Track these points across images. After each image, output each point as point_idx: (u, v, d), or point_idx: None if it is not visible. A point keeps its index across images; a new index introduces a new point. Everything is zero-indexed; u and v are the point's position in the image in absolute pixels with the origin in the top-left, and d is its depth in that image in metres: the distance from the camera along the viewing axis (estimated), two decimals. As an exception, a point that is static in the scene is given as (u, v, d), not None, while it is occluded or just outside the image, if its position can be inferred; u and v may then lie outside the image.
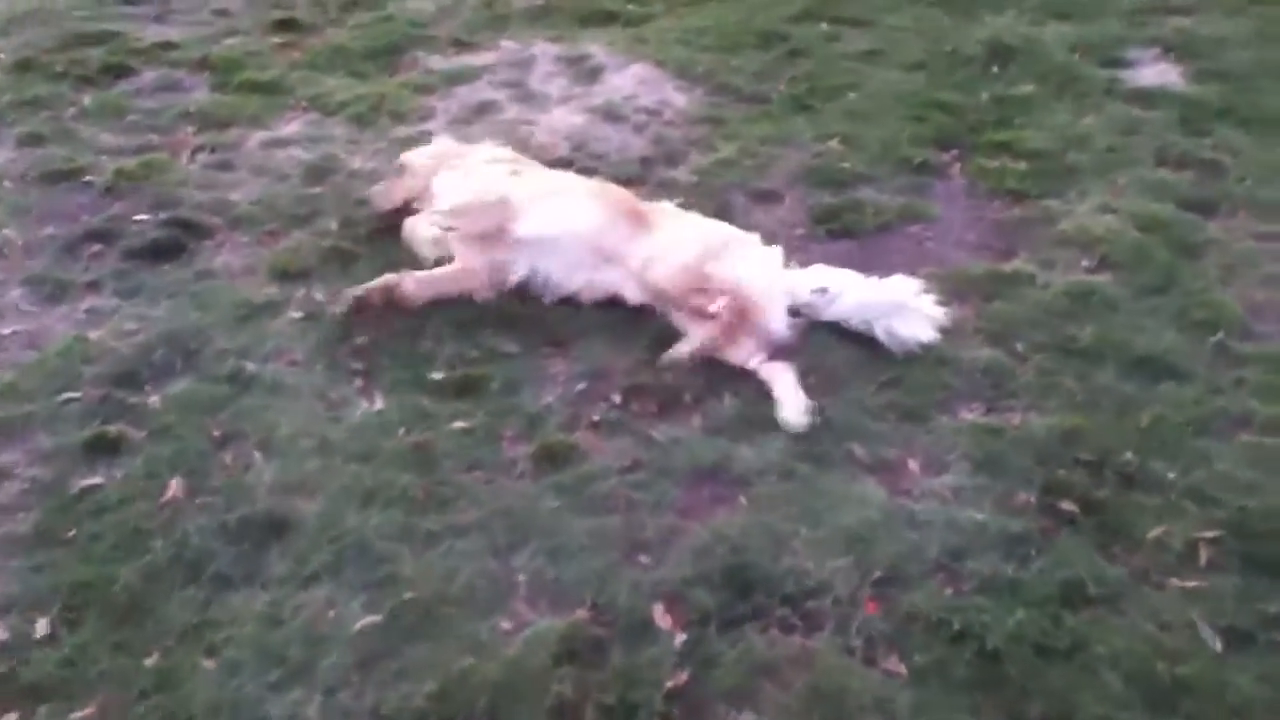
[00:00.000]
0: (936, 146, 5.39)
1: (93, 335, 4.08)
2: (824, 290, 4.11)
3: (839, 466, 3.56)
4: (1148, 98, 5.75)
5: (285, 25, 6.53)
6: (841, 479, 3.50)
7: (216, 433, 3.67)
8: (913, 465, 3.57)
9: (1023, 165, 5.19)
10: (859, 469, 3.55)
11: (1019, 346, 4.07)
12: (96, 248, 4.58)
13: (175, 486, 3.45)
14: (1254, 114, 5.58)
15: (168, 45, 6.26)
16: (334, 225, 4.75)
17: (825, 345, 4.05)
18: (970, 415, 3.77)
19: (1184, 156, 5.22)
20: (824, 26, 6.58)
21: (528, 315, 4.21)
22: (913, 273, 4.45)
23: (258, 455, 3.60)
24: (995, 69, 6.08)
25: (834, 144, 5.38)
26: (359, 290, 4.15)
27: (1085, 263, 4.53)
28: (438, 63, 6.19)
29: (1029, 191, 5.02)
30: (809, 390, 3.81)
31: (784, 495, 3.43)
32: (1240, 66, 6.05)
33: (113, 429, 3.67)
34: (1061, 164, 5.21)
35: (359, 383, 3.92)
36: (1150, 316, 4.18)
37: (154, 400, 3.80)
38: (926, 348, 4.01)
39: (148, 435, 3.67)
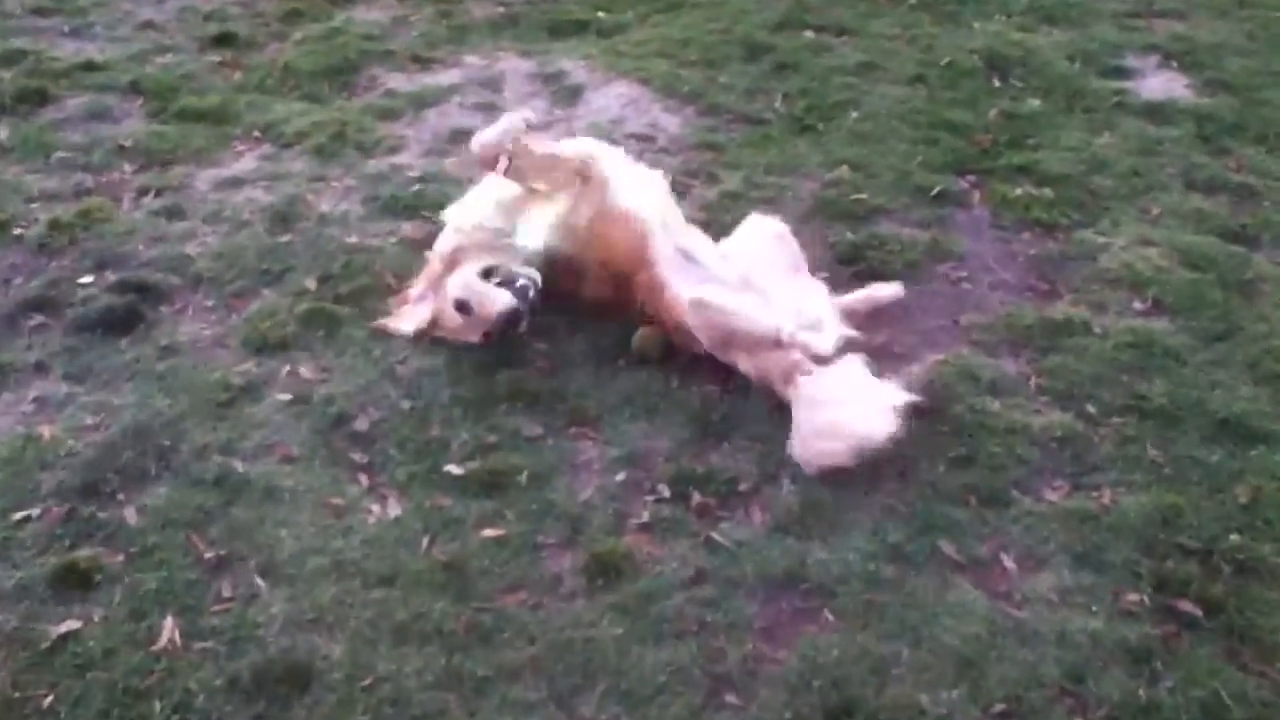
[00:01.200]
0: (952, 172, 5.04)
1: (45, 432, 3.51)
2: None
3: (927, 567, 3.18)
4: (1160, 112, 5.48)
5: (222, 41, 5.90)
6: (934, 583, 3.13)
7: (209, 554, 3.15)
8: (1007, 562, 3.21)
9: (1047, 192, 4.86)
10: (950, 569, 3.18)
11: (1090, 409, 3.74)
12: (37, 319, 3.98)
13: (168, 628, 2.93)
14: (1268, 129, 5.35)
15: (91, 66, 5.58)
16: (310, 283, 4.21)
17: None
18: (1056, 495, 3.43)
19: (1213, 181, 4.95)
20: (809, 35, 6.17)
21: (547, 389, 3.75)
22: (955, 320, 4.13)
23: (261, 582, 3.09)
24: (996, 82, 5.76)
25: (844, 171, 4.99)
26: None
27: (1137, 305, 4.22)
28: (399, 82, 5.63)
29: (1058, 222, 4.70)
30: (871, 470, 3.42)
31: (874, 608, 3.04)
32: (1244, 76, 5.83)
33: (84, 555, 3.12)
34: (1086, 190, 4.90)
35: (365, 480, 3.43)
36: (1220, 369, 3.88)
37: (129, 514, 3.26)
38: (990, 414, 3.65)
39: (126, 561, 3.13)
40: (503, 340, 3.82)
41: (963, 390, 3.79)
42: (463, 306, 3.82)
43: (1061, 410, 3.73)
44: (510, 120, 4.02)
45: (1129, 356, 3.94)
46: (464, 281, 3.84)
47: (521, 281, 3.82)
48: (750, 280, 3.91)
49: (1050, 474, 3.51)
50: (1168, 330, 4.07)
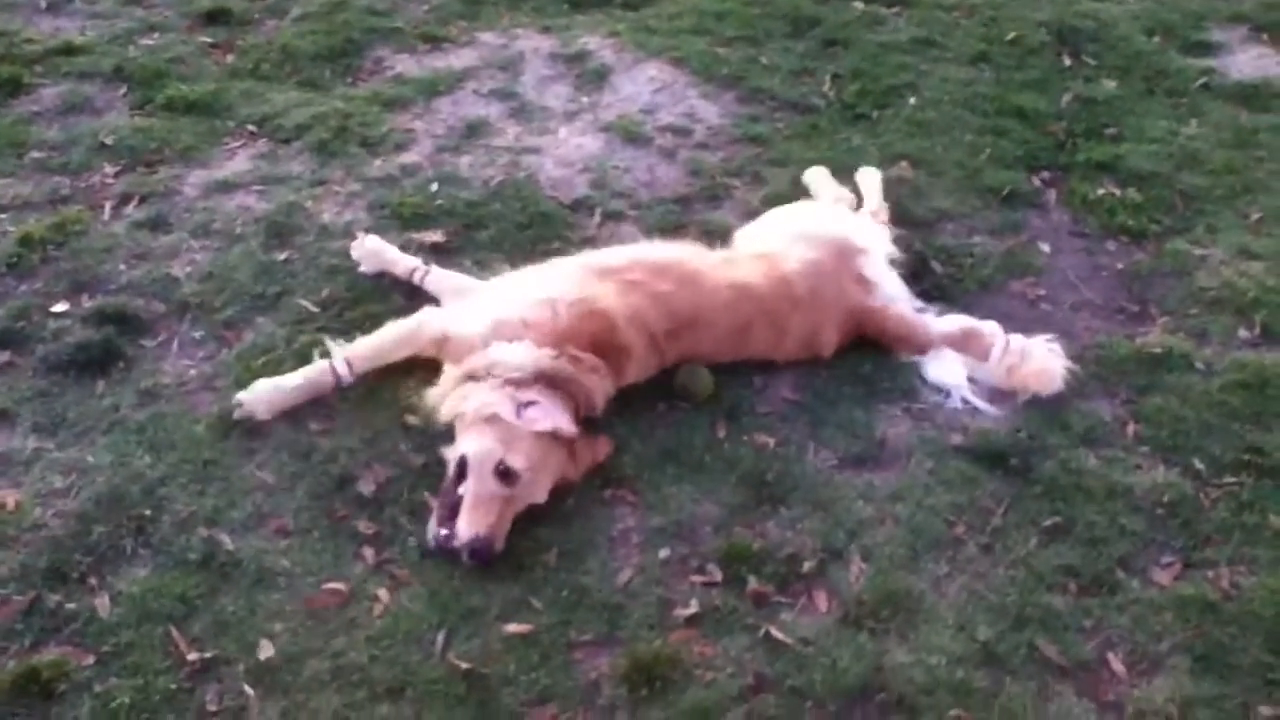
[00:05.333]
0: (1024, 168, 4.53)
1: (9, 500, 3.07)
2: None
3: (1024, 671, 2.74)
4: (1254, 96, 4.94)
5: (214, 18, 5.35)
6: (1033, 691, 2.69)
7: (192, 655, 2.72)
8: (1115, 664, 2.77)
9: (1132, 193, 4.36)
10: (1050, 673, 2.74)
11: (1198, 464, 3.28)
12: (4, 357, 3.52)
13: (145, 756, 2.51)
14: (1376, 115, 4.80)
15: (70, 49, 5.05)
16: (309, 305, 3.74)
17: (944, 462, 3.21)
18: (1166, 577, 2.98)
19: (1320, 179, 4.42)
20: (858, 6, 5.61)
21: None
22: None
23: (250, 692, 2.66)
24: (1068, 60, 5.21)
25: (903, 169, 4.47)
26: None
27: (1244, 333, 3.74)
28: (407, 65, 5.10)
29: (1147, 229, 4.20)
30: (952, 544, 2.98)
31: (967, 727, 2.60)
32: (1342, 50, 5.25)
33: (47, 659, 2.69)
34: (1175, 190, 4.40)
35: (371, 555, 2.99)
36: (1347, 415, 3.40)
37: (101, 604, 2.83)
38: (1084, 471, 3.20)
39: (97, 664, 2.71)
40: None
41: (1052, 441, 3.33)
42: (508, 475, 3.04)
43: (1166, 466, 3.28)
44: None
45: (1239, 399, 3.47)
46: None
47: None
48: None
49: (1158, 548, 3.06)
50: (1281, 365, 3.58)
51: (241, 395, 3.31)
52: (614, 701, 2.66)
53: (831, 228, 3.79)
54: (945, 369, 3.57)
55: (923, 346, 3.61)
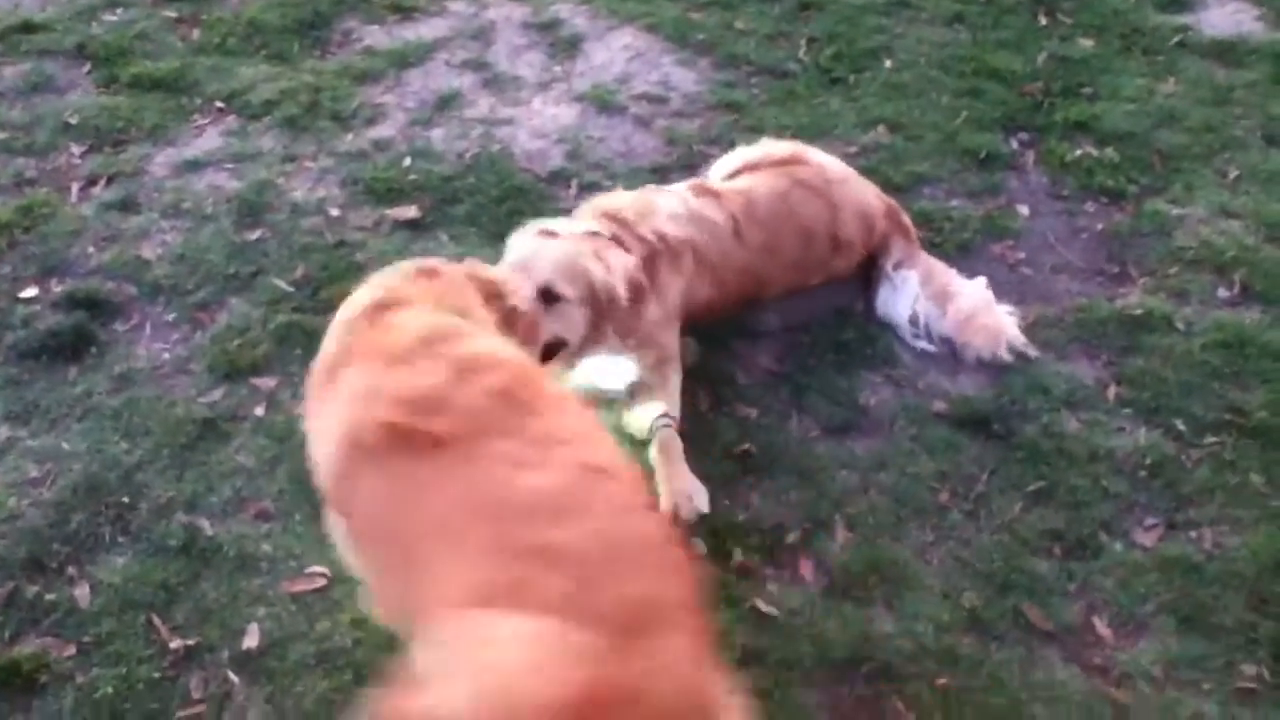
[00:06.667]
0: (1001, 129, 4.49)
1: (-19, 490, 3.03)
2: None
3: (1010, 637, 2.75)
4: (1229, 53, 4.91)
5: (179, -9, 5.25)
6: (1019, 657, 2.70)
7: (174, 643, 2.71)
8: (1101, 627, 2.78)
9: (1110, 153, 4.33)
10: (1037, 638, 2.75)
11: (1180, 425, 3.28)
12: (-28, 344, 3.47)
13: (131, 752, 2.49)
14: (1352, 69, 4.78)
15: (30, 26, 4.95)
16: (283, 284, 3.70)
17: (927, 428, 3.21)
18: (1149, 538, 2.98)
19: (1297, 135, 4.41)
20: (832, -33, 5.51)
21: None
22: (1018, 315, 3.62)
23: (235, 678, 2.64)
24: (1043, 19, 5.16)
25: (881, 133, 4.44)
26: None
27: (1223, 292, 3.73)
28: (377, 37, 5.02)
29: (1125, 189, 4.18)
30: (937, 510, 2.98)
31: (954, 694, 2.61)
32: (1318, 3, 5.23)
33: (28, 651, 2.67)
34: (1153, 149, 4.37)
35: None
36: (1326, 371, 3.40)
37: (81, 594, 2.81)
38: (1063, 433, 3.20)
39: (78, 654, 2.69)
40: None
41: (1034, 405, 3.32)
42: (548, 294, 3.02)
43: (1148, 428, 3.27)
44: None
45: (1220, 358, 3.46)
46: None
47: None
48: None
49: (1141, 510, 3.06)
50: (1261, 324, 3.59)
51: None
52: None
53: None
54: (897, 300, 3.58)
55: (914, 254, 3.66)
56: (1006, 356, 3.44)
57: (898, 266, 3.64)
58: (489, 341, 2.28)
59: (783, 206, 3.51)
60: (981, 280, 3.62)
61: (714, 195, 3.49)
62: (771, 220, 3.48)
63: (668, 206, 3.38)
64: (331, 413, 2.16)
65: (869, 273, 3.69)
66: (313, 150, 4.30)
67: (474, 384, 2.05)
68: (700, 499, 2.96)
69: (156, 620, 2.75)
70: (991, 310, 3.51)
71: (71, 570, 2.86)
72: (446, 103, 4.57)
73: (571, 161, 4.25)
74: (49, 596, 2.80)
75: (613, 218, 3.29)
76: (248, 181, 4.11)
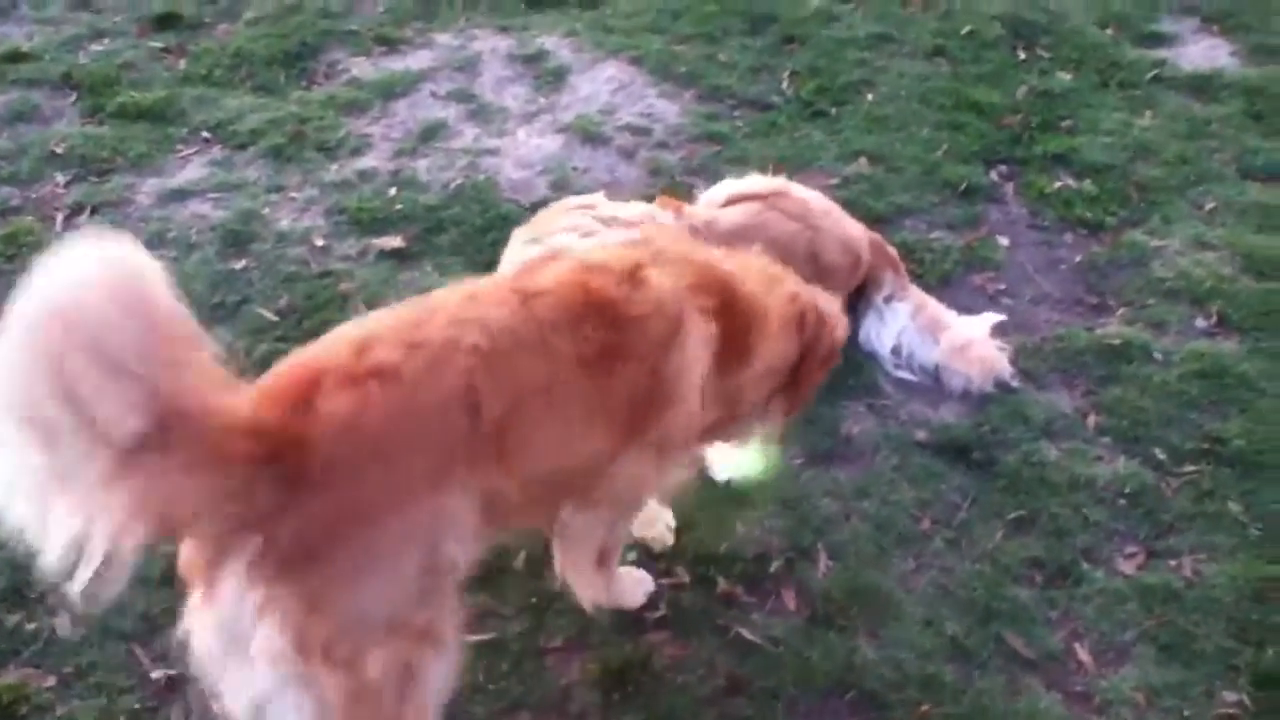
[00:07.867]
0: (981, 161, 4.55)
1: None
2: None
3: (993, 664, 2.76)
4: (1205, 87, 4.99)
5: (165, 22, 5.28)
6: (1001, 685, 2.71)
7: (156, 674, 2.69)
8: (1082, 654, 2.80)
9: (1088, 185, 4.40)
10: (1019, 666, 2.76)
11: (1159, 454, 3.31)
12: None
13: (112, 783, 2.47)
14: (1326, 105, 4.87)
15: (16, 56, 4.97)
16: (268, 314, 3.70)
17: (909, 457, 3.23)
18: (1130, 566, 3.01)
19: (1271, 167, 4.49)
20: (815, 2, 5.60)
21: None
22: (998, 345, 3.66)
23: (217, 710, 2.61)
24: (1022, 53, 5.24)
25: (862, 165, 4.49)
26: None
27: (1200, 322, 3.78)
28: (363, 68, 5.05)
29: (1103, 221, 4.24)
30: (919, 538, 3.00)
31: (937, 721, 2.61)
32: (1291, 41, 5.33)
33: (7, 682, 2.65)
34: (1131, 181, 4.43)
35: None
36: (1302, 400, 3.45)
37: (61, 624, 2.79)
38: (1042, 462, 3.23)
39: (59, 685, 2.68)
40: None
41: (1015, 434, 3.35)
42: None
43: (1127, 456, 3.31)
44: None
45: (1198, 388, 3.51)
46: None
47: None
48: None
49: (1121, 538, 3.09)
50: (1238, 353, 3.63)
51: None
52: (586, 707, 2.65)
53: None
54: (882, 331, 3.62)
55: (905, 288, 3.69)
56: (989, 387, 3.48)
57: (889, 300, 3.66)
58: None
59: (752, 222, 3.47)
60: (990, 316, 3.65)
61: (675, 209, 3.47)
62: (732, 236, 3.28)
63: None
64: None
65: (856, 305, 3.71)
66: (298, 180, 4.32)
67: None
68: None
69: (138, 650, 2.74)
70: (987, 342, 3.54)
71: (52, 600, 2.84)
72: (432, 133, 4.60)
73: (556, 192, 4.27)
74: (29, 626, 2.78)
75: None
76: (233, 211, 4.13)
